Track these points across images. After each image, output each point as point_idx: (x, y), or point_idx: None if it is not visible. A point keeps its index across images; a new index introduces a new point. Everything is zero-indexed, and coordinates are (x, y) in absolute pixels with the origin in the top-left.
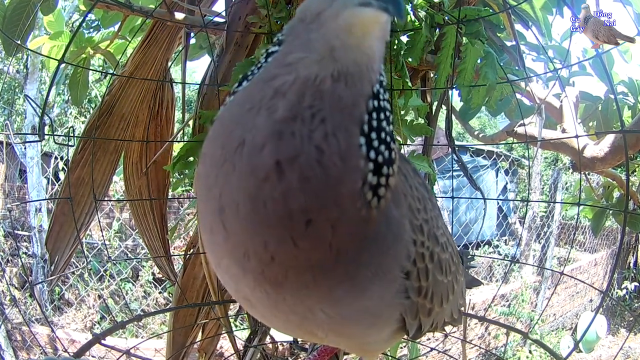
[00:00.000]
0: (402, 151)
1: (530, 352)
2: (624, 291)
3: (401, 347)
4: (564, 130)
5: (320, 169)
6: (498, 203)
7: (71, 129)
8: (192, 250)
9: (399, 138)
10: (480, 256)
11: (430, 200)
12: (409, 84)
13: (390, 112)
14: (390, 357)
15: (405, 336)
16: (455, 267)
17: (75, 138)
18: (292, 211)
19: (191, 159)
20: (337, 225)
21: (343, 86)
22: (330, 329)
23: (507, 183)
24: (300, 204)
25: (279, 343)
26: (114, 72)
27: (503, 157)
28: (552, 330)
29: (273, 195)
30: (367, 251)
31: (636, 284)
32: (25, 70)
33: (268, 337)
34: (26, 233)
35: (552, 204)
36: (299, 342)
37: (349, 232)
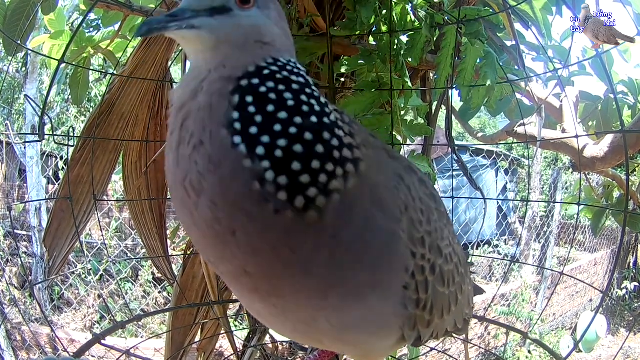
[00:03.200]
0: (402, 151)
1: (529, 352)
2: (624, 291)
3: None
4: (564, 130)
5: (204, 180)
6: (498, 203)
7: (71, 128)
8: (191, 250)
9: (399, 138)
10: (480, 256)
11: (437, 210)
12: (409, 84)
13: (311, 99)
14: (390, 357)
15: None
16: (460, 278)
17: (75, 138)
18: (214, 226)
19: None
20: (253, 228)
21: (201, 96)
22: (335, 338)
23: (507, 183)
24: (211, 217)
25: (278, 343)
26: (114, 72)
27: (503, 156)
28: (552, 330)
29: (198, 217)
30: (342, 254)
31: (636, 283)
32: (25, 70)
33: (267, 336)
34: (26, 233)
35: (552, 203)
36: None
37: (278, 237)
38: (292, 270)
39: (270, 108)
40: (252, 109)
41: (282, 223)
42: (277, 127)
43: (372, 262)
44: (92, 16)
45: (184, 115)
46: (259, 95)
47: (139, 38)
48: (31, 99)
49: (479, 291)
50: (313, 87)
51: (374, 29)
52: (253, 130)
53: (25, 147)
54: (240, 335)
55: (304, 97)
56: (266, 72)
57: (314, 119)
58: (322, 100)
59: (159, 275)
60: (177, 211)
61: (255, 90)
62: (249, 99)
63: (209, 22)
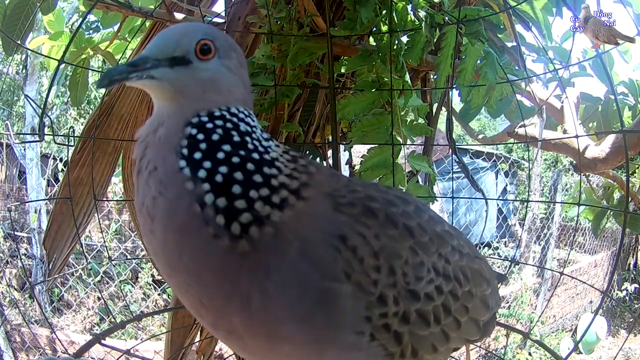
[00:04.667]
0: (401, 152)
1: (530, 354)
2: (624, 292)
3: None
4: (565, 131)
5: (156, 203)
6: (498, 205)
7: (71, 129)
8: None
9: (399, 138)
10: None
11: (415, 245)
12: (409, 84)
13: (257, 142)
14: None
15: None
16: (460, 303)
17: (74, 139)
18: (166, 250)
19: None
20: (196, 254)
21: (161, 130)
22: None
23: (507, 185)
24: (163, 241)
25: None
26: None
27: (503, 158)
28: (552, 332)
29: (155, 242)
30: (275, 301)
31: (636, 285)
32: (24, 72)
33: None
34: (25, 234)
35: (552, 205)
36: None
37: (217, 263)
38: (236, 304)
39: (215, 137)
40: (200, 136)
41: (220, 249)
42: (220, 155)
43: (309, 317)
44: (91, 17)
45: (144, 146)
46: (206, 129)
47: (145, 38)
48: (31, 99)
49: (502, 278)
50: (259, 131)
51: (374, 29)
52: (197, 155)
53: (25, 149)
54: None
55: (247, 138)
56: (217, 114)
57: (255, 155)
58: (265, 143)
59: (159, 277)
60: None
61: (203, 124)
62: (195, 130)
63: (168, 73)
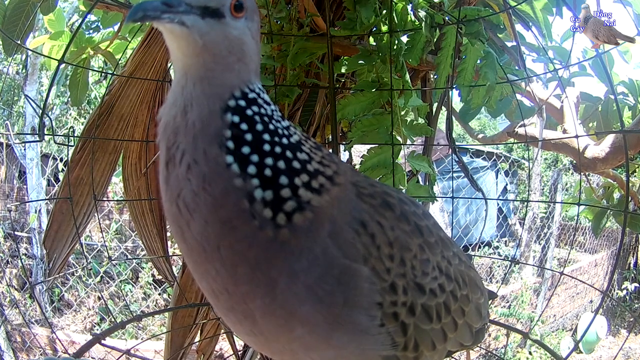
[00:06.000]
0: (401, 152)
1: (530, 353)
2: (624, 292)
3: None
4: (564, 131)
5: (198, 198)
6: (498, 204)
7: (71, 129)
8: None
9: (399, 138)
10: (480, 256)
11: (424, 244)
12: (409, 84)
13: (279, 123)
14: None
15: None
16: (460, 303)
17: (74, 139)
18: (203, 243)
19: None
20: (236, 246)
21: (192, 113)
22: None
23: (507, 184)
24: (201, 234)
25: None
26: (114, 72)
27: (503, 158)
28: (553, 331)
29: (188, 233)
30: (300, 281)
31: (636, 284)
32: (24, 72)
33: None
34: (26, 234)
35: (552, 205)
36: None
37: (256, 254)
38: (261, 289)
39: (260, 127)
40: (244, 126)
41: (262, 240)
42: (266, 147)
43: (328, 296)
44: (91, 17)
45: (173, 130)
46: (248, 117)
47: (137, 28)
48: (31, 99)
49: (492, 296)
50: (275, 109)
51: (374, 29)
52: (245, 150)
53: (25, 149)
54: None
55: (275, 122)
56: (251, 96)
57: (285, 140)
58: (284, 124)
59: (159, 277)
60: (169, 225)
61: (243, 111)
62: (238, 118)
63: (199, 23)
